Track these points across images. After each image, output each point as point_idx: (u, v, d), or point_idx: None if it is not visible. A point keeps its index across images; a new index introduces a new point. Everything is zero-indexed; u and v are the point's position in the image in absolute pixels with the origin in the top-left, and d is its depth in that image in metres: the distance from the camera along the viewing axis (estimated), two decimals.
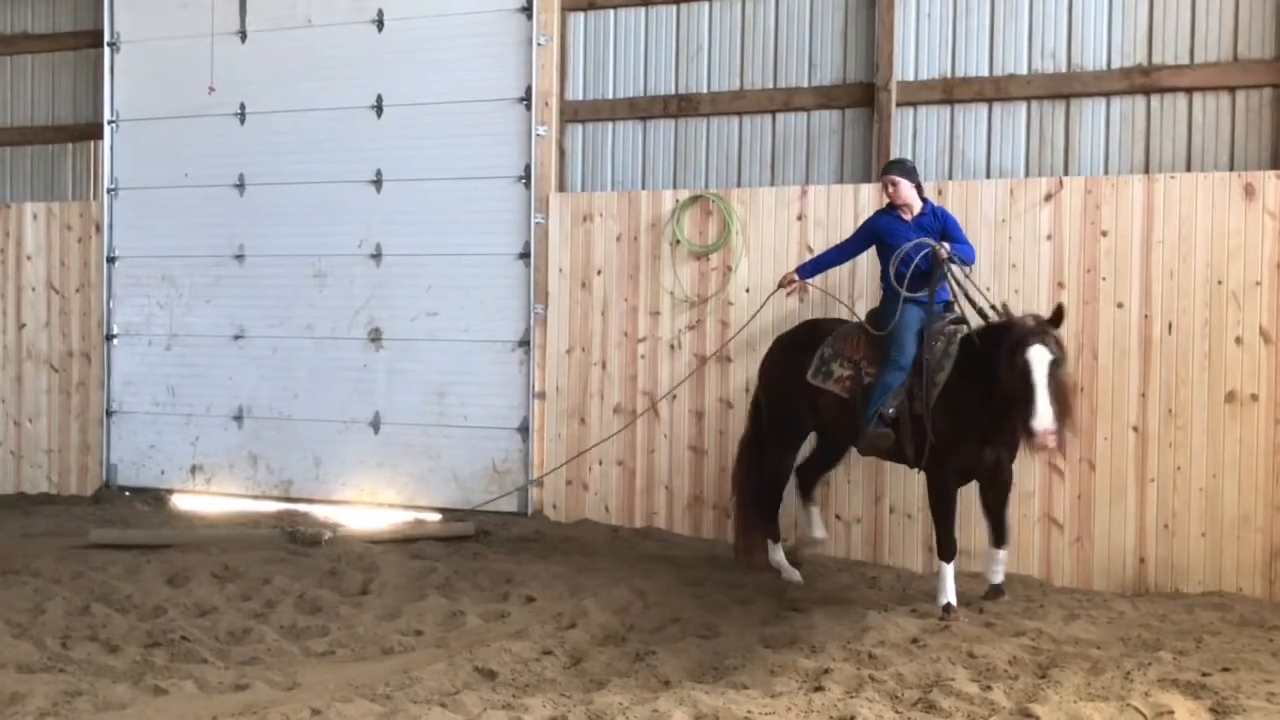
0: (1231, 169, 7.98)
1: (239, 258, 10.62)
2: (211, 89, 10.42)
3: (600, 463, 9.36)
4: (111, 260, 11.07)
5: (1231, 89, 8.03)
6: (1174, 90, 8.13)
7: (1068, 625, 6.77)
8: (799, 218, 8.72)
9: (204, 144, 10.68)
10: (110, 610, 7.02)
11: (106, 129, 11.04)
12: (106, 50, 11.02)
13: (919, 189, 7.61)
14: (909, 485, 8.30)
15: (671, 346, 9.08)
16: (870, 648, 6.21)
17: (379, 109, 10.13)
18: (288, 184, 10.40)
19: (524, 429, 9.63)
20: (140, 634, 6.58)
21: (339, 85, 10.20)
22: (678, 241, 9.08)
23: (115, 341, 11.09)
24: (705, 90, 9.28)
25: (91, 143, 11.23)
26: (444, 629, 6.81)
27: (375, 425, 10.15)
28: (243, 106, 10.56)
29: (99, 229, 11.09)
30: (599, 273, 9.40)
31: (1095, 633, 6.62)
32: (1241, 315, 7.73)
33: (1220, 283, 7.78)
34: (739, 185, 9.14)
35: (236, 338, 10.64)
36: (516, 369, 9.70)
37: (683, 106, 9.32)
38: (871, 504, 8.52)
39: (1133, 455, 7.93)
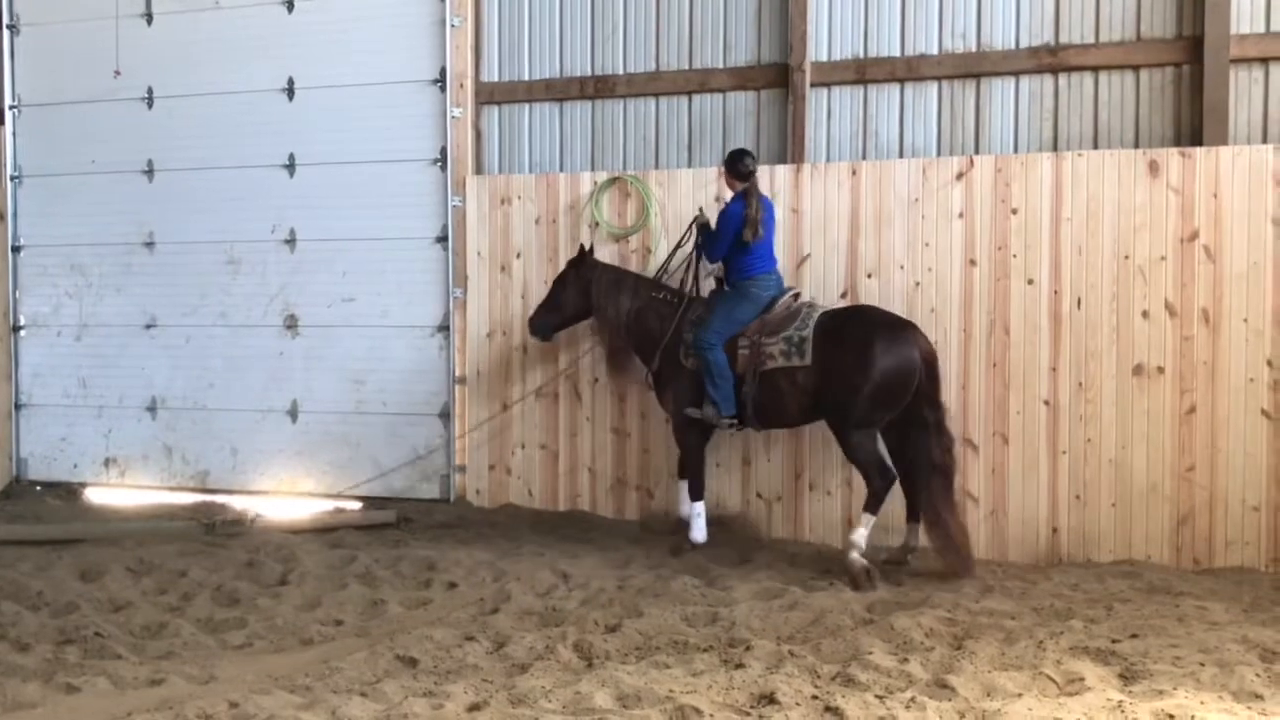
0: (1137, 146, 8.16)
1: (149, 245, 10.40)
2: (117, 73, 10.18)
3: (523, 446, 9.33)
4: (16, 249, 10.78)
5: (1136, 68, 8.20)
6: (1080, 69, 8.28)
7: (983, 597, 6.91)
8: (717, 199, 8.72)
9: (111, 129, 10.44)
10: (20, 608, 6.87)
11: (8, 114, 10.73)
12: (6, 33, 10.70)
13: (733, 178, 7.94)
14: (828, 463, 8.40)
15: (593, 329, 9.03)
16: (791, 624, 6.29)
17: (290, 92, 9.97)
18: (198, 169, 10.21)
19: (445, 414, 9.57)
20: (51, 631, 6.44)
21: (249, 68, 10.03)
22: (597, 224, 9.06)
23: (22, 333, 10.81)
24: (621, 72, 9.26)
25: None
26: (365, 618, 6.76)
27: (293, 414, 10.02)
28: (150, 91, 10.34)
29: (2, 218, 10.78)
30: (518, 256, 9.34)
31: (1010, 604, 6.75)
32: (1148, 290, 7.91)
33: (1127, 258, 7.95)
34: (657, 167, 9.15)
35: (149, 327, 10.44)
36: (437, 354, 9.63)
37: (599, 88, 9.29)
38: (791, 481, 8.60)
39: (1044, 428, 8.10)
